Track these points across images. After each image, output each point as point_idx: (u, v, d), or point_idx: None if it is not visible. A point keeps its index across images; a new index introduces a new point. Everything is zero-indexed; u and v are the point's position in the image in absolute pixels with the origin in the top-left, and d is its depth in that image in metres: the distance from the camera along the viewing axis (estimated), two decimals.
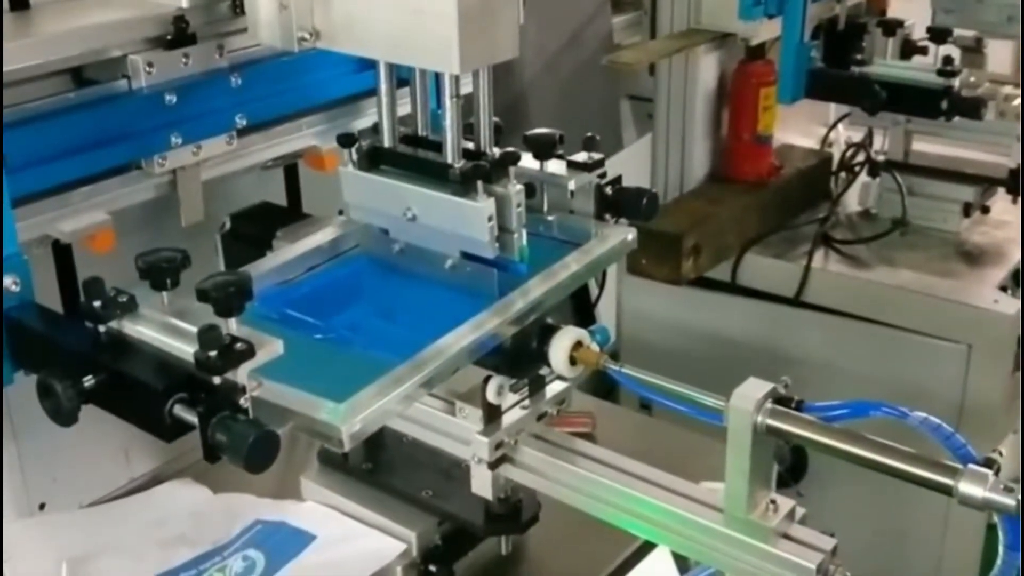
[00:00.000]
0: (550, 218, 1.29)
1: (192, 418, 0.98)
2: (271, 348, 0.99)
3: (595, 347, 1.17)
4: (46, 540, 1.37)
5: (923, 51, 2.20)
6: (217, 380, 0.98)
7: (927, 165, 2.32)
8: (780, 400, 1.05)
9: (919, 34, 2.26)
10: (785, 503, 1.09)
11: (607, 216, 1.30)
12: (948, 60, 1.98)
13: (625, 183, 2.83)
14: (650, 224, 2.17)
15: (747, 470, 1.04)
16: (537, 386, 1.25)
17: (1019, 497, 0.91)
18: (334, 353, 1.15)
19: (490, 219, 1.15)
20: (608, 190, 1.30)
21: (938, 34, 2.11)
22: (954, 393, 2.02)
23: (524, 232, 1.18)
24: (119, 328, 1.06)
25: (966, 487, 0.95)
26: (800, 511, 1.10)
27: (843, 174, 2.45)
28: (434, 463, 1.34)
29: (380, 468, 1.38)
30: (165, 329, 1.03)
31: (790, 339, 2.18)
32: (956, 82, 1.94)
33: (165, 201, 1.37)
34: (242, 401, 0.98)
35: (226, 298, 0.98)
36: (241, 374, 0.97)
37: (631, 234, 1.32)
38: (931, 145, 2.37)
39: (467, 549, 1.33)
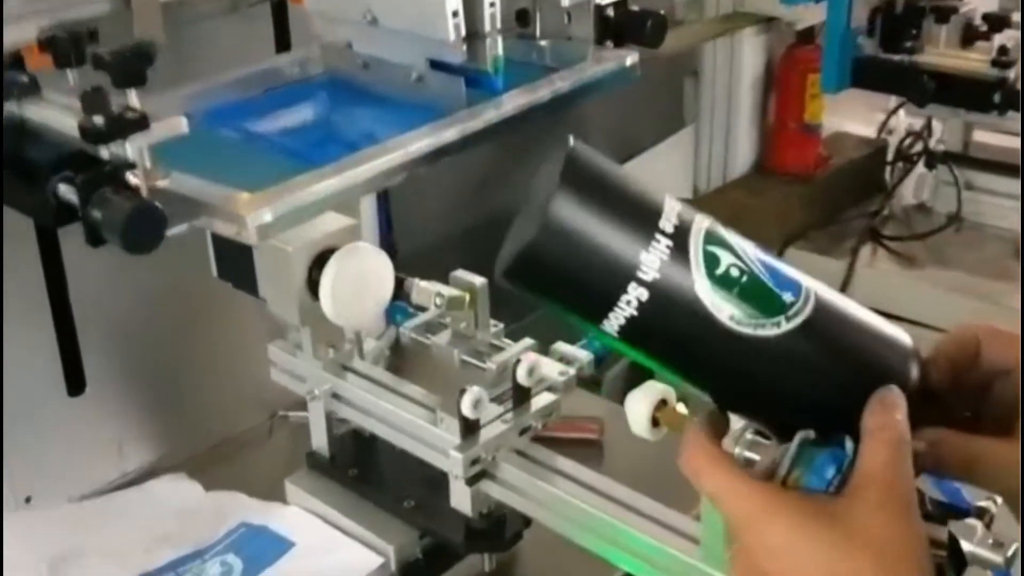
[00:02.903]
0: (543, 43, 1.18)
1: (74, 198, 0.86)
2: (172, 124, 0.86)
3: (683, 408, 1.02)
4: (29, 536, 1.35)
5: (987, 38, 2.07)
6: (106, 155, 0.86)
7: (986, 158, 2.19)
8: (761, 431, 0.97)
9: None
10: None
11: (609, 43, 1.17)
12: (1003, 50, 1.85)
13: (667, 172, 2.74)
14: None
15: None
16: (522, 398, 1.19)
17: (1006, 554, 0.83)
18: (272, 161, 1.05)
19: (455, 14, 1.03)
20: (610, 12, 1.15)
21: (995, 21, 1.98)
22: None
23: (500, 39, 1.06)
24: (20, 112, 0.97)
25: None
26: None
27: (901, 164, 2.33)
28: (421, 472, 1.29)
29: (366, 475, 1.33)
30: (61, 108, 0.93)
31: None
32: (1011, 73, 1.82)
33: None
34: (132, 179, 0.85)
35: (122, 62, 0.84)
36: (132, 148, 0.85)
37: (631, 58, 1.16)
38: (993, 136, 2.24)
39: (448, 565, 1.27)
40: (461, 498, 1.18)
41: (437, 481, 1.27)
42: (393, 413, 1.24)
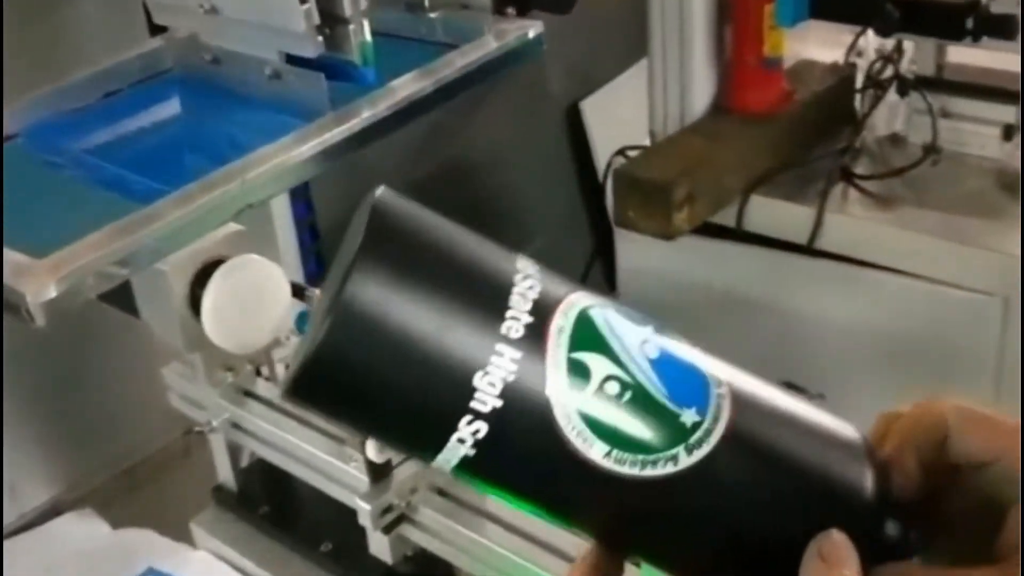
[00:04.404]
0: (432, 16, 1.03)
1: None
2: None
3: None
4: None
5: None
6: None
7: (963, 81, 2.02)
8: None
9: None
10: None
11: (509, 11, 1.03)
12: None
13: (622, 116, 2.55)
14: (636, 171, 1.95)
15: None
16: None
17: None
18: (94, 198, 0.90)
19: (304, 1, 0.86)
20: None
21: None
22: (989, 352, 1.77)
23: (366, 24, 0.91)
24: None
25: None
26: None
27: (871, 92, 2.15)
28: (338, 508, 1.14)
29: (278, 513, 1.18)
30: None
31: (803, 291, 1.93)
32: None
33: None
34: None
35: None
36: None
37: (534, 29, 1.02)
38: (969, 54, 2.06)
39: None
40: (379, 545, 1.04)
41: (353, 520, 1.12)
42: (298, 447, 1.09)
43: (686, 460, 0.43)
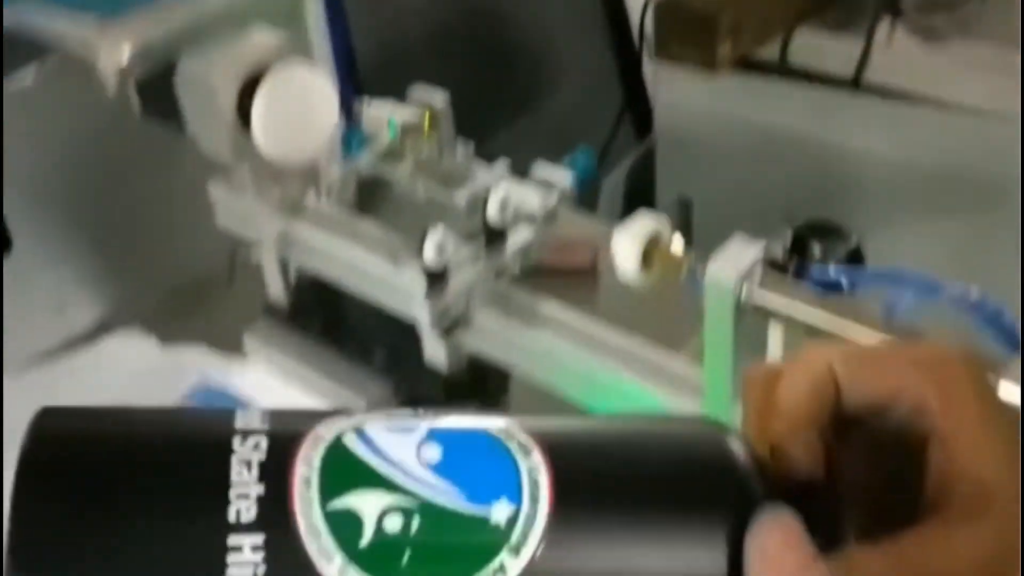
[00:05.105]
0: None
1: None
2: None
3: (678, 246, 0.86)
4: None
5: None
6: None
7: None
8: (775, 264, 0.82)
9: None
10: None
11: None
12: None
13: None
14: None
15: (730, 354, 0.82)
16: (496, 236, 1.03)
17: None
18: None
19: None
20: None
21: None
22: None
23: None
24: None
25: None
26: None
27: None
28: (392, 322, 1.14)
29: (332, 326, 1.19)
30: None
31: (846, 128, 1.90)
32: None
33: None
34: None
35: None
36: None
37: None
38: None
39: None
40: (435, 351, 1.04)
41: (410, 331, 1.13)
42: (352, 256, 1.09)
43: (516, 564, 0.35)
